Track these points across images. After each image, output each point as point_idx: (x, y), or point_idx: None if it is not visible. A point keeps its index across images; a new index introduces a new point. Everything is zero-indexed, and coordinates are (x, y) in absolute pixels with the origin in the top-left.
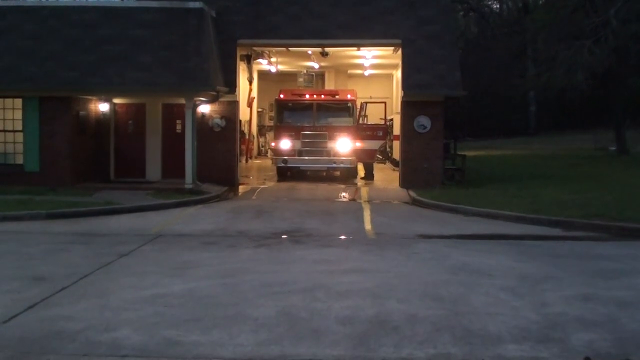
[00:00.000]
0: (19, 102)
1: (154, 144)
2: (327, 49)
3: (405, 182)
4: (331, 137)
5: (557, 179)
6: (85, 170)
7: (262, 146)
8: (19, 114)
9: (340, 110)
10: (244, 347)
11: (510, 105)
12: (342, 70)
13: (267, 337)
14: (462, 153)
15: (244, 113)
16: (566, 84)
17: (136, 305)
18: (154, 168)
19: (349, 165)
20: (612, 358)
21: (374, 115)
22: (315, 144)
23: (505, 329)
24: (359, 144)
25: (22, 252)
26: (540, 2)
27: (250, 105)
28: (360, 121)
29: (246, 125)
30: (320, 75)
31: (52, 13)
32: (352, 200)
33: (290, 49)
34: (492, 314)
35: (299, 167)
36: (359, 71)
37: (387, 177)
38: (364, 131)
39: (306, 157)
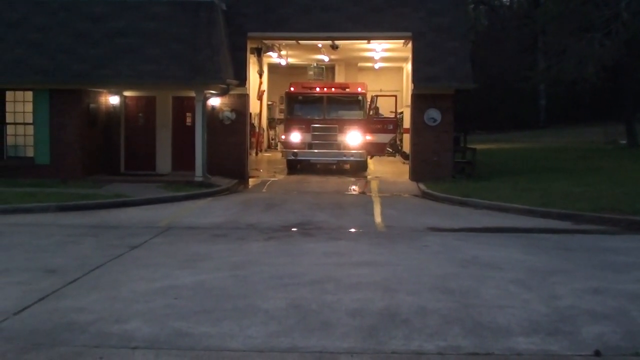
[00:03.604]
0: (29, 94)
1: (164, 136)
2: (337, 42)
3: (415, 175)
4: (341, 130)
5: (567, 172)
6: (95, 163)
7: (272, 139)
8: (29, 107)
9: (350, 103)
10: (254, 338)
11: (520, 98)
12: (353, 63)
13: (277, 329)
14: (472, 146)
15: (254, 106)
16: (576, 76)
17: (147, 297)
18: (164, 161)
19: (359, 159)
20: (622, 351)
21: (384, 109)
22: (325, 137)
23: (515, 321)
24: (368, 137)
25: (33, 244)
26: None
27: (260, 98)
28: (371, 114)
29: (256, 118)
30: (330, 69)
31: (63, 6)
32: (362, 193)
33: (300, 42)
34: (502, 306)
35: (309, 160)
36: (369, 64)
37: (397, 170)
38: (373, 124)
39: (316, 150)
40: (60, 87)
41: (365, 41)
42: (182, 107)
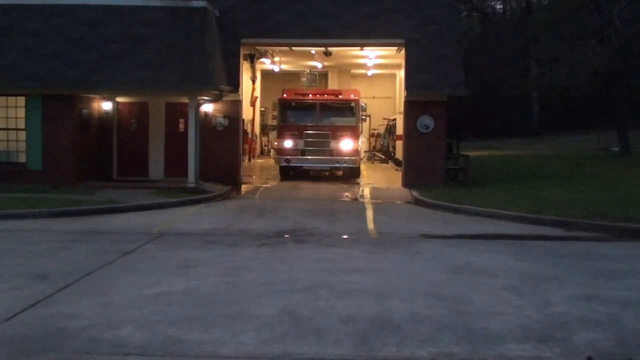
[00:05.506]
0: (22, 100)
1: (157, 142)
2: (330, 49)
3: (408, 182)
4: (334, 137)
5: (559, 179)
6: (87, 169)
7: (265, 145)
8: (21, 112)
9: (343, 109)
10: (246, 345)
11: (513, 105)
12: (346, 70)
13: (270, 336)
14: (465, 153)
15: (247, 112)
16: (569, 84)
17: (139, 303)
18: (156, 167)
19: (352, 165)
20: (615, 358)
21: (377, 115)
22: (318, 144)
23: (507, 328)
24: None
25: (24, 250)
26: (544, 1)
27: (253, 104)
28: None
29: (249, 125)
30: (323, 75)
31: (56, 11)
32: (355, 199)
33: (293, 48)
34: (494, 313)
35: (301, 166)
36: (362, 71)
37: (390, 177)
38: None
39: (309, 157)
40: (52, 92)
41: (359, 48)
42: (175, 113)
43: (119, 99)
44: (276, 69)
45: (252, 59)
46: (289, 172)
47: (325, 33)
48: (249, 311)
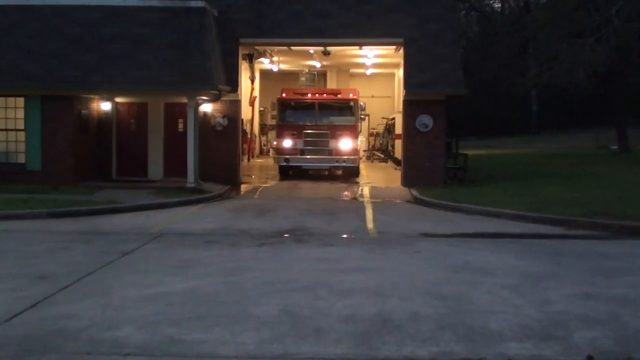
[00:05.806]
0: (21, 100)
1: (156, 143)
2: (329, 48)
3: (407, 181)
4: (333, 136)
5: (559, 177)
6: (87, 169)
7: (264, 145)
8: (21, 113)
9: (342, 109)
10: (246, 345)
11: (512, 104)
12: (344, 70)
13: (270, 336)
14: (464, 152)
15: (246, 112)
16: (568, 82)
17: (138, 303)
18: (156, 167)
19: (351, 164)
20: (615, 356)
21: (376, 114)
22: (317, 143)
23: (507, 327)
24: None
25: (24, 251)
26: (542, 0)
27: (252, 104)
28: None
29: (248, 124)
30: (322, 75)
31: (55, 11)
32: (354, 199)
33: (292, 48)
34: (494, 312)
35: (301, 166)
36: (361, 70)
37: (389, 176)
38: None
39: (308, 156)
40: (52, 93)
41: (357, 47)
42: (174, 113)
43: (118, 99)
44: (275, 68)
45: (250, 58)
46: (288, 172)
47: (325, 32)
48: (249, 311)
